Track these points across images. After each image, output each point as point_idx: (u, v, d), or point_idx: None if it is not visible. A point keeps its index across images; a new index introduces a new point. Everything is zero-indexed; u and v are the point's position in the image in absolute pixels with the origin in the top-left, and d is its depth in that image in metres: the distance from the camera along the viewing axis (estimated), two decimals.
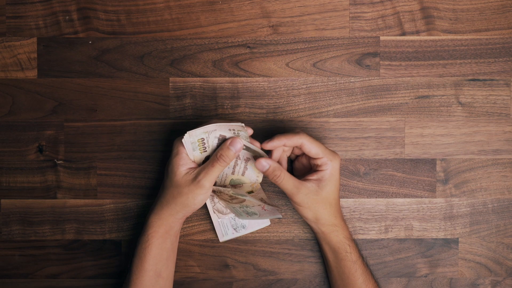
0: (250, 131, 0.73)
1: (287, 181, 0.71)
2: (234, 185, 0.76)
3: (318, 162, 0.72)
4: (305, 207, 0.72)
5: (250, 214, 0.72)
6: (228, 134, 0.72)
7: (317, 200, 0.72)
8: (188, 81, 0.80)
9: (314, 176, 0.72)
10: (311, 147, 0.71)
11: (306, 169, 0.76)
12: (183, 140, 0.71)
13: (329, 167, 0.72)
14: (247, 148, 0.74)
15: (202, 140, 0.71)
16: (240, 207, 0.73)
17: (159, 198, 0.74)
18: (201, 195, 0.70)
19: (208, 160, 0.71)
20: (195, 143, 0.71)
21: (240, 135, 0.72)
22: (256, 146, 0.73)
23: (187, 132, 0.70)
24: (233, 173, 0.76)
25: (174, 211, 0.72)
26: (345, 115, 0.80)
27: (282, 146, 0.72)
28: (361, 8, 0.80)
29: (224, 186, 0.76)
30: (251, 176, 0.76)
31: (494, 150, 0.80)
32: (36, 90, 0.80)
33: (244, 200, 0.74)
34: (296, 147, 0.74)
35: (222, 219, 0.78)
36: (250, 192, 0.76)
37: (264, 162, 0.71)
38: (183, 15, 0.80)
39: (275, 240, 0.80)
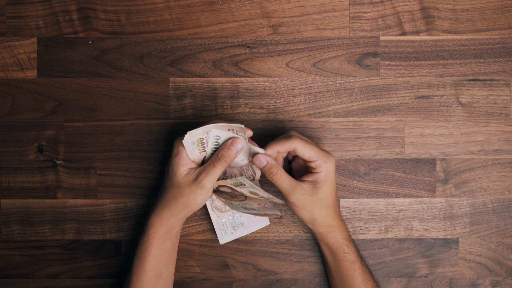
0: (250, 133, 0.73)
1: (284, 180, 0.71)
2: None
3: (312, 165, 0.72)
4: (300, 207, 0.72)
5: (248, 209, 0.72)
6: (227, 135, 0.72)
7: (312, 201, 0.72)
8: (188, 81, 0.80)
9: (309, 178, 0.72)
10: (304, 151, 0.71)
11: (304, 170, 0.76)
12: (183, 140, 0.71)
13: (324, 169, 0.71)
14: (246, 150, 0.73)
15: (201, 140, 0.71)
16: (238, 204, 0.73)
17: (160, 198, 0.74)
18: (202, 195, 0.70)
19: (209, 161, 0.71)
20: (194, 143, 0.71)
21: (239, 136, 0.72)
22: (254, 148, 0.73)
23: (188, 132, 0.70)
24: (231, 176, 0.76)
25: (175, 211, 0.72)
26: (345, 115, 0.80)
27: (276, 153, 0.72)
28: (361, 8, 0.80)
29: (224, 178, 0.75)
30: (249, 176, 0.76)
31: (494, 150, 0.80)
32: (36, 90, 0.80)
33: (245, 199, 0.74)
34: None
35: (220, 218, 0.78)
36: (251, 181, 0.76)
37: (262, 158, 0.71)
38: (183, 15, 0.80)
39: (275, 240, 0.80)
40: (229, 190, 0.74)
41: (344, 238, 0.74)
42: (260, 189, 0.72)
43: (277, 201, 0.73)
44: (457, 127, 0.80)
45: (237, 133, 0.71)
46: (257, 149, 0.73)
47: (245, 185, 0.71)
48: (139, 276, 0.72)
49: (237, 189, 0.73)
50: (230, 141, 0.71)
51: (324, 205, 0.72)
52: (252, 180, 0.76)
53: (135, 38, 0.80)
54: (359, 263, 0.74)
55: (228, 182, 0.71)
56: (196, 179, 0.70)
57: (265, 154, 0.71)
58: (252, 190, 0.72)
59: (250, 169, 0.76)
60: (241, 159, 0.74)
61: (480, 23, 0.80)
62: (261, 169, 0.71)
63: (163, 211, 0.73)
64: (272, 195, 0.73)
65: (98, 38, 0.80)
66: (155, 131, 0.80)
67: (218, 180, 0.72)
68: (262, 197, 0.73)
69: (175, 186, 0.71)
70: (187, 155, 0.72)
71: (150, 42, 0.80)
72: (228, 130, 0.71)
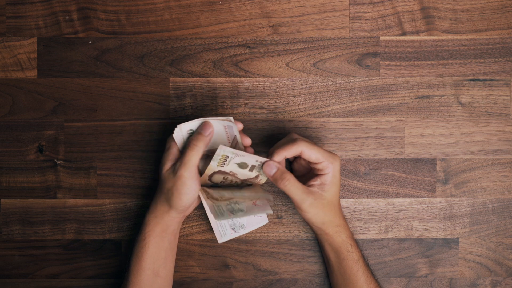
0: (240, 126, 0.72)
1: (296, 187, 0.69)
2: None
3: (319, 166, 0.71)
4: (312, 213, 0.71)
5: (234, 212, 0.71)
6: (199, 123, 0.71)
7: (323, 204, 0.71)
8: (188, 81, 0.80)
9: (317, 181, 0.71)
10: (310, 154, 0.70)
11: (306, 170, 0.76)
12: (173, 134, 0.71)
13: (331, 170, 0.71)
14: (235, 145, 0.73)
15: (192, 133, 0.71)
16: (226, 205, 0.72)
17: (154, 197, 0.74)
18: (184, 187, 0.69)
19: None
20: (186, 137, 0.71)
21: (208, 119, 0.71)
22: (246, 141, 0.73)
23: (177, 125, 0.70)
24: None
25: (166, 207, 0.72)
26: (345, 115, 0.80)
27: (283, 159, 0.71)
28: (361, 8, 0.80)
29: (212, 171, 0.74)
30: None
31: (494, 150, 0.80)
32: (36, 90, 0.80)
33: (233, 198, 0.73)
34: None
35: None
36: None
37: (273, 165, 0.69)
38: (183, 15, 0.80)
39: (275, 240, 0.80)
40: (221, 178, 0.73)
41: (348, 237, 0.74)
42: (244, 153, 0.69)
43: (267, 199, 0.71)
44: (457, 127, 0.80)
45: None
46: (244, 140, 0.72)
47: (228, 156, 0.69)
48: (137, 275, 0.72)
49: (225, 168, 0.71)
50: (200, 127, 0.71)
51: (332, 206, 0.72)
52: (235, 145, 0.74)
53: (135, 38, 0.80)
54: (362, 262, 0.74)
55: (213, 165, 0.70)
56: (174, 170, 0.70)
57: (274, 160, 0.70)
58: (238, 160, 0.69)
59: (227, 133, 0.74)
60: (223, 143, 0.72)
61: (480, 23, 0.80)
62: (271, 177, 0.70)
63: (156, 209, 0.73)
64: (259, 156, 0.70)
65: (98, 38, 0.80)
66: (155, 131, 0.80)
67: (207, 170, 0.71)
68: (252, 165, 0.71)
69: (162, 182, 0.71)
70: (179, 150, 0.72)
71: (150, 42, 0.80)
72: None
